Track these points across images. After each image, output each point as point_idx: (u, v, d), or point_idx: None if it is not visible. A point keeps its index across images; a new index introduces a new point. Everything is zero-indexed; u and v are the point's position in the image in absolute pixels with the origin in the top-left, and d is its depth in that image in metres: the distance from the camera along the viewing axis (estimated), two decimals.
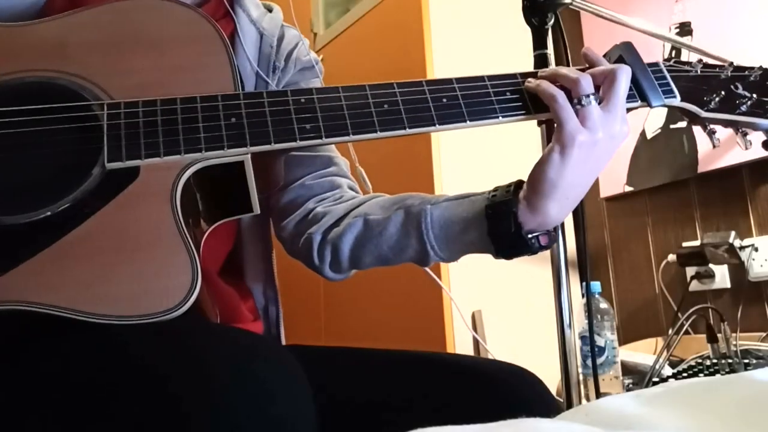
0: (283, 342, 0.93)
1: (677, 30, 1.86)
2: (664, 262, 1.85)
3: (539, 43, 0.91)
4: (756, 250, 1.65)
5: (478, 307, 1.68)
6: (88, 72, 0.70)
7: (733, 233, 1.64)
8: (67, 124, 0.66)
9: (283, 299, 0.94)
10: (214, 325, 0.67)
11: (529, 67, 0.91)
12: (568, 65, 0.94)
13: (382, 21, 1.99)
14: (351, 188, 0.96)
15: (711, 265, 1.72)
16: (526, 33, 0.92)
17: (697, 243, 1.74)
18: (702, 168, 1.77)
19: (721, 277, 1.72)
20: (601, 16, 0.97)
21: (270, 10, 0.96)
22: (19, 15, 0.78)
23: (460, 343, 1.61)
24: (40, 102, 0.66)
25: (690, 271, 1.77)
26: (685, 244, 1.80)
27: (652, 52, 1.90)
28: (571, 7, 0.92)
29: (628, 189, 1.95)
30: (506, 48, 1.90)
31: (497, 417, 0.42)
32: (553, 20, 0.91)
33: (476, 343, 1.63)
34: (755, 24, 1.72)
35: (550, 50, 0.91)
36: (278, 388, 0.51)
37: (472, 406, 0.73)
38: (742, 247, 1.64)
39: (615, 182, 1.98)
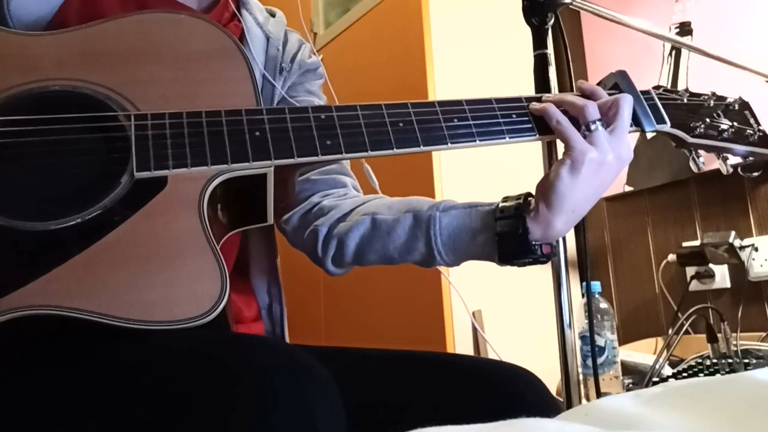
0: (287, 340, 0.94)
1: (677, 30, 1.86)
2: (664, 262, 1.85)
3: (539, 42, 0.91)
4: (756, 250, 1.64)
5: (478, 307, 1.68)
6: (112, 82, 0.70)
7: (733, 233, 1.64)
8: (94, 133, 0.67)
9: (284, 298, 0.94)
10: (259, 338, 0.67)
11: (529, 67, 0.91)
12: (568, 65, 0.94)
13: (382, 21, 1.98)
14: (354, 187, 0.97)
15: (711, 265, 1.72)
16: (525, 33, 0.92)
17: (697, 243, 1.74)
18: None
19: (721, 277, 1.72)
20: (601, 16, 0.97)
21: (273, 15, 0.97)
22: (25, 28, 0.78)
23: (460, 343, 1.61)
24: (65, 111, 0.66)
25: (690, 271, 1.77)
26: (685, 244, 1.80)
27: (653, 52, 1.90)
28: (571, 7, 0.92)
29: (628, 189, 1.95)
30: (506, 48, 1.90)
31: (497, 417, 0.42)
32: (553, 20, 0.91)
33: (476, 342, 1.63)
34: (755, 24, 1.72)
35: (550, 50, 0.91)
36: (320, 414, 0.51)
37: (471, 405, 0.73)
38: (742, 247, 1.64)
39: (615, 182, 1.95)
